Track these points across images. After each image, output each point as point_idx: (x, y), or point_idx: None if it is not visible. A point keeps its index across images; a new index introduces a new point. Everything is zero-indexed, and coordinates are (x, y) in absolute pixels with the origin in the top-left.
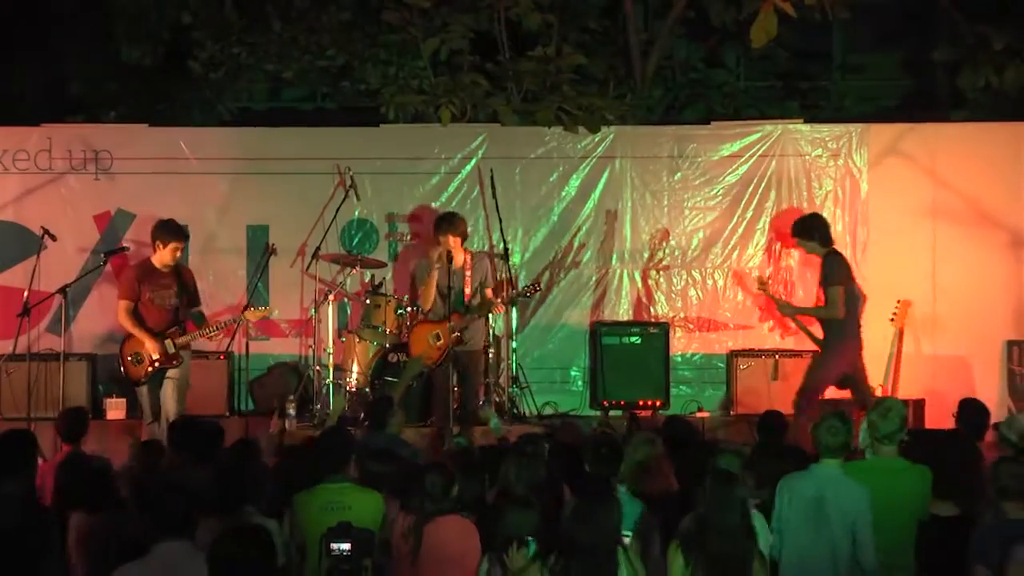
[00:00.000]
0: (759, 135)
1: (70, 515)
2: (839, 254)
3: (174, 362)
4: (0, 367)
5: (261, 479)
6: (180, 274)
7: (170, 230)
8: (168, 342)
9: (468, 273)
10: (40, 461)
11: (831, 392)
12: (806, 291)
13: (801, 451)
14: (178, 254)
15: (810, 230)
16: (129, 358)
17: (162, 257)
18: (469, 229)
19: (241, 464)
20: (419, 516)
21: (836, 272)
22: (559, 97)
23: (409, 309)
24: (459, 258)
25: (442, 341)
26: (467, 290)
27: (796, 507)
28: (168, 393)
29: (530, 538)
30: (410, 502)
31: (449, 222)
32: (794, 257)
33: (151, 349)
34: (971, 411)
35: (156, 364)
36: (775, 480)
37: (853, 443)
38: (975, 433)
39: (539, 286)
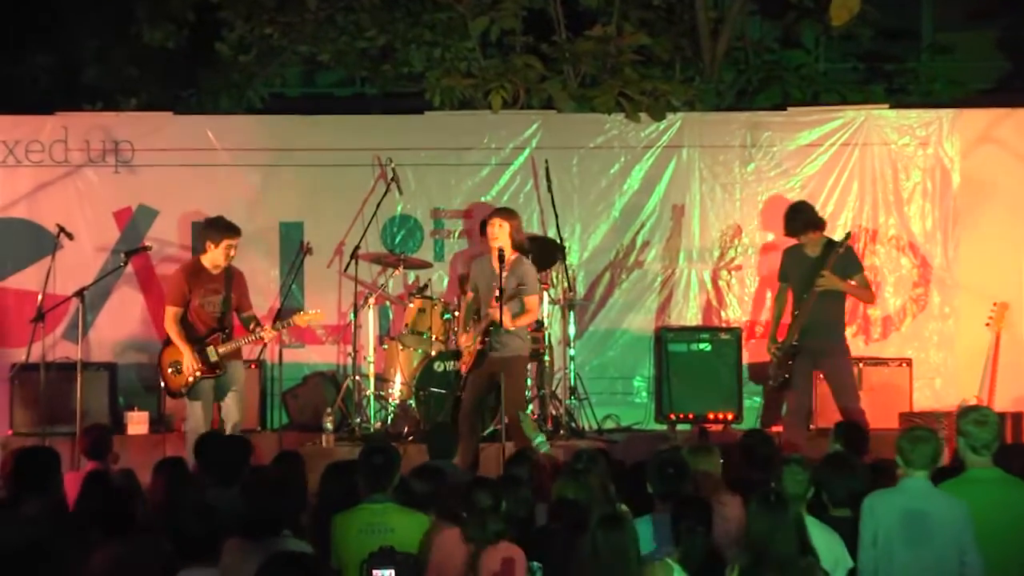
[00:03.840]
0: (840, 122)
1: (94, 540)
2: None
3: (216, 371)
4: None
5: (301, 498)
6: (231, 277)
7: (221, 227)
8: (210, 349)
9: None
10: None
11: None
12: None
13: (876, 466)
14: (232, 252)
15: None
16: (169, 369)
17: (214, 258)
18: (524, 224)
19: (284, 481)
20: (478, 542)
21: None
22: (620, 81)
23: (458, 313)
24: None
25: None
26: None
27: (892, 525)
28: (230, 405)
29: None
30: (463, 524)
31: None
32: (879, 256)
33: (189, 363)
34: None
35: (197, 375)
36: (848, 497)
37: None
38: None
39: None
